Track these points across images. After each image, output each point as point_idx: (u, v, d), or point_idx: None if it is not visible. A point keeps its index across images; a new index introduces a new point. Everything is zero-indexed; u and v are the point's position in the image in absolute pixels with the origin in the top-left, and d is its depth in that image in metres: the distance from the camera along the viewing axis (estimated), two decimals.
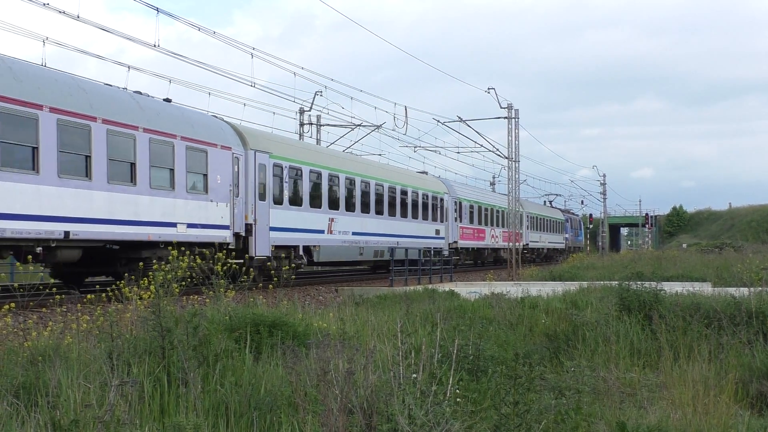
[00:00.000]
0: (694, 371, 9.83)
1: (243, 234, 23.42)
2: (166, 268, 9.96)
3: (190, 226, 21.14)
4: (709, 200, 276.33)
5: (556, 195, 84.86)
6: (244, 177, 23.61)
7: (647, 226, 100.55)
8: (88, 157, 17.93)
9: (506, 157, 45.62)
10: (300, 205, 26.84)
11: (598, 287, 20.58)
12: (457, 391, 7.24)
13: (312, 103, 39.79)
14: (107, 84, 20.92)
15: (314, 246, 26.82)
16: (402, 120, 40.85)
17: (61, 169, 17.17)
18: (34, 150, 16.45)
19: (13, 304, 12.20)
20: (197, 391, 7.74)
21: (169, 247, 13.99)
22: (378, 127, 41.27)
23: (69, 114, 17.46)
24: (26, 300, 11.64)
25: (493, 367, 9.56)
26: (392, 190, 34.91)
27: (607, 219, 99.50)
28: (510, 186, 46.01)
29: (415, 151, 49.28)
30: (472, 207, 46.31)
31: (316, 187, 28.04)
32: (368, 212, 32.20)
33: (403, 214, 35.92)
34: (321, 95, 38.68)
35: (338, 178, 29.81)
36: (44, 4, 20.86)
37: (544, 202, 78.34)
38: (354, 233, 30.62)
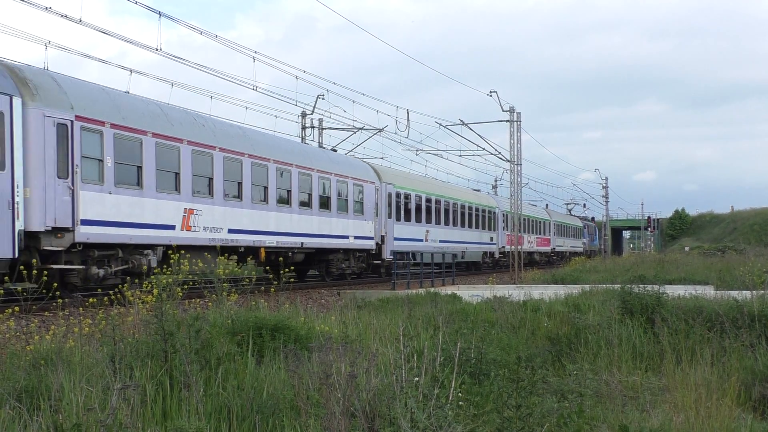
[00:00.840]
0: (696, 374, 9.82)
1: (379, 243, 32.65)
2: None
3: (356, 237, 30.80)
4: (711, 203, 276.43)
5: (575, 204, 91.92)
6: (379, 202, 33.06)
7: (649, 229, 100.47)
8: (309, 195, 27.58)
9: (508, 161, 45.64)
10: (409, 221, 36.28)
11: (601, 290, 20.55)
12: (460, 394, 7.24)
13: (314, 107, 39.81)
14: (297, 140, 31.87)
15: (416, 251, 33.05)
16: (404, 123, 40.93)
17: (299, 203, 27.06)
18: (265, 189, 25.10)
19: (17, 308, 12.21)
20: (199, 395, 7.74)
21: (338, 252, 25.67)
22: (380, 130, 41.28)
23: (259, 159, 24.93)
24: (29, 304, 11.66)
25: (496, 371, 9.55)
26: (463, 207, 43.91)
27: (610, 222, 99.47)
28: (512, 189, 46.06)
29: (417, 155, 49.46)
30: (517, 218, 51.00)
31: (418, 208, 37.31)
32: (449, 225, 41.36)
33: (470, 225, 45.09)
34: (323, 98, 38.70)
35: (431, 200, 39.03)
36: (46, 8, 20.89)
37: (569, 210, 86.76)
38: (441, 241, 39.69)
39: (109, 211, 18.16)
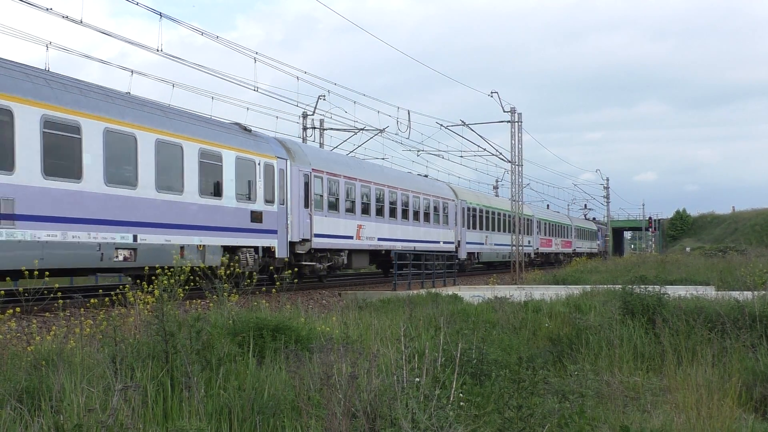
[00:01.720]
0: (697, 375, 9.82)
1: (456, 246, 41.90)
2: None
3: (444, 242, 40.06)
4: (712, 204, 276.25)
5: (590, 209, 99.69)
6: (457, 215, 42.62)
7: (650, 229, 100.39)
8: (417, 212, 36.61)
9: (509, 161, 45.62)
10: (476, 229, 46.14)
11: (602, 291, 20.55)
12: (461, 395, 7.23)
13: (315, 107, 39.79)
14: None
15: (480, 252, 46.00)
16: (405, 124, 40.88)
17: (413, 217, 36.25)
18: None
19: (18, 309, 12.21)
20: (200, 396, 7.75)
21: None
22: (381, 131, 41.26)
23: (391, 188, 34.41)
24: (30, 304, 11.66)
25: (497, 371, 9.55)
26: (513, 216, 50.13)
27: (611, 223, 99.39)
28: (513, 190, 46.03)
29: (418, 155, 49.67)
30: (546, 224, 63.74)
31: (481, 218, 47.24)
32: (500, 231, 50.72)
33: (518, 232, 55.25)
34: (324, 99, 38.67)
35: (490, 212, 49.13)
36: (47, 9, 20.89)
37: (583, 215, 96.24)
38: (496, 244, 49.51)
39: (324, 228, 27.77)
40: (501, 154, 48.24)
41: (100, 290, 16.89)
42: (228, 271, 14.97)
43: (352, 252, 30.16)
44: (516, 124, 44.61)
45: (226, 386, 8.17)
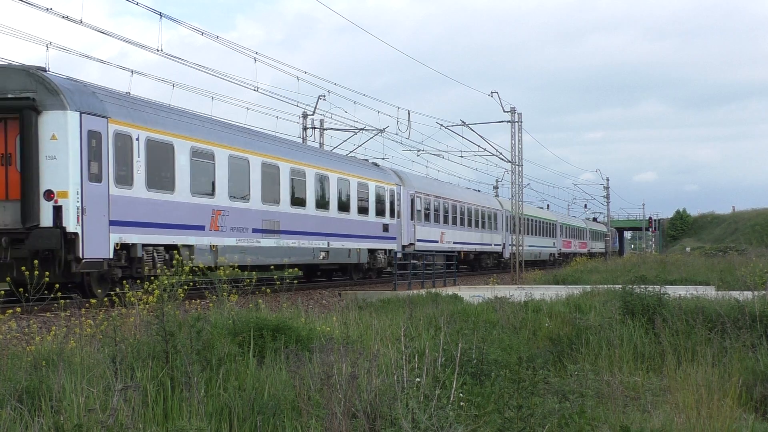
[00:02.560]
0: (697, 375, 9.82)
1: (503, 247, 50.69)
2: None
3: (495, 244, 49.51)
4: (712, 204, 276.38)
5: (600, 213, 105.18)
6: (501, 222, 50.88)
7: (651, 229, 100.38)
8: (477, 220, 46.27)
9: (509, 161, 45.63)
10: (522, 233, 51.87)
11: (602, 291, 20.54)
12: (461, 395, 7.23)
13: (315, 107, 39.77)
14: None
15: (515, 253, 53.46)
16: (405, 124, 40.94)
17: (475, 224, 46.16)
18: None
19: (18, 309, 12.21)
20: (201, 396, 7.75)
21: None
22: (381, 131, 41.24)
23: (459, 202, 43.92)
24: (30, 304, 11.66)
25: (497, 371, 9.54)
26: (545, 222, 62.12)
27: (611, 223, 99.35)
28: (513, 190, 46.07)
29: (418, 155, 49.62)
30: (567, 227, 72.84)
31: (522, 224, 51.59)
32: (538, 235, 59.55)
33: (545, 235, 62.78)
34: (324, 99, 38.67)
35: (531, 220, 55.86)
36: (47, 9, 20.89)
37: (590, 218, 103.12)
38: (533, 246, 56.35)
39: (423, 234, 37.20)
40: (501, 154, 48.34)
41: (99, 291, 16.91)
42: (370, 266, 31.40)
43: (436, 253, 35.85)
44: (516, 124, 44.62)
45: (227, 386, 8.17)
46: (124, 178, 17.91)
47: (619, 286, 17.97)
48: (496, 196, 56.77)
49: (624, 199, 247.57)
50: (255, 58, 28.90)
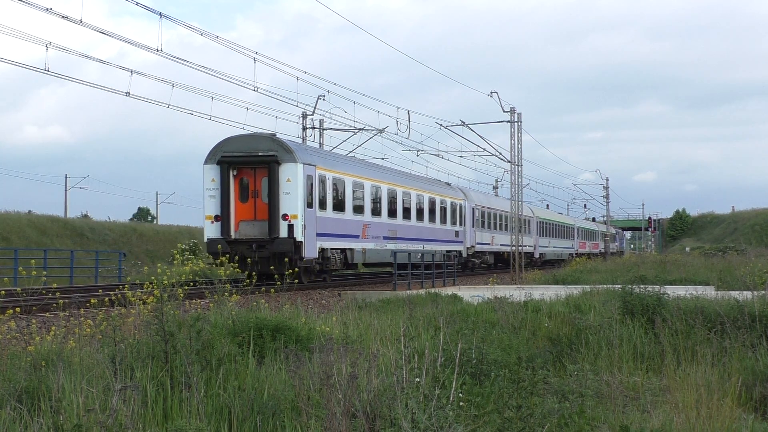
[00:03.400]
0: (697, 375, 9.82)
1: (533, 248, 57.36)
2: None
3: (528, 246, 53.36)
4: (712, 204, 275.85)
5: (600, 215, 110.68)
6: (535, 226, 58.26)
7: (650, 229, 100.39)
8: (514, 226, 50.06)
9: (509, 161, 45.62)
10: (543, 236, 61.89)
11: (602, 291, 20.53)
12: (461, 395, 7.23)
13: (315, 107, 39.74)
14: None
15: (547, 252, 64.59)
16: (404, 124, 40.91)
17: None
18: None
19: (18, 309, 12.21)
20: (200, 396, 7.74)
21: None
22: (381, 131, 41.20)
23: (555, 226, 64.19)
24: (29, 305, 11.67)
25: (497, 371, 9.54)
26: (563, 226, 71.90)
27: (611, 223, 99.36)
28: (513, 190, 46.06)
29: (417, 155, 49.65)
30: (582, 230, 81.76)
31: (546, 229, 63.69)
32: (558, 237, 68.97)
33: (564, 237, 71.97)
34: (324, 99, 38.66)
35: (552, 223, 66.35)
36: (47, 9, 20.89)
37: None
38: (554, 246, 67.25)
39: (480, 238, 46.53)
40: (501, 154, 48.28)
41: (100, 290, 16.92)
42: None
43: (489, 253, 48.89)
44: (516, 124, 44.60)
45: (226, 386, 8.17)
46: (323, 204, 27.15)
47: (619, 286, 17.96)
48: (529, 204, 62.76)
49: (623, 199, 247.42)
50: (254, 58, 28.92)
